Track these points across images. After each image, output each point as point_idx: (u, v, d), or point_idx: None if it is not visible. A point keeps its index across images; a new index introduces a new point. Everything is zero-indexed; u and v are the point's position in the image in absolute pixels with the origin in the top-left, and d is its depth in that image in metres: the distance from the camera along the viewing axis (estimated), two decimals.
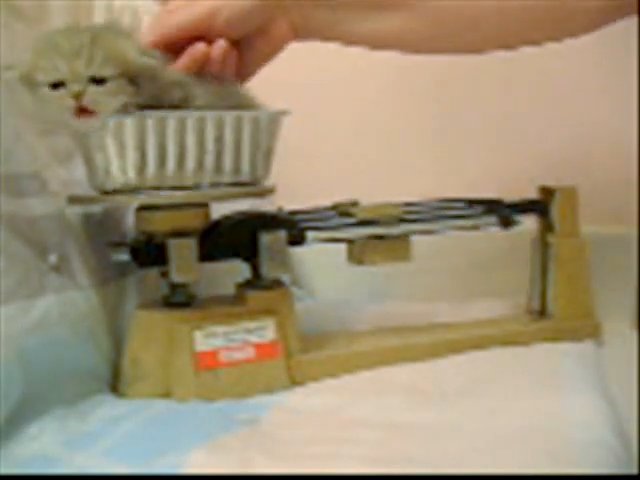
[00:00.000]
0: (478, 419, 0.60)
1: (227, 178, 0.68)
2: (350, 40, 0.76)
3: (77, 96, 0.61)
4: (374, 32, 0.74)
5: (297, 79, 1.00)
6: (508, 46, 0.77)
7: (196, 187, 0.67)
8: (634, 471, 0.56)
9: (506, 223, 0.80)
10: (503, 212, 0.80)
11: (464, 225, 0.80)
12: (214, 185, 0.68)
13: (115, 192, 0.67)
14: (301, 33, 0.73)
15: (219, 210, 0.74)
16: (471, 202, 0.83)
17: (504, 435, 0.57)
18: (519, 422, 0.59)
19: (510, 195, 0.83)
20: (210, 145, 0.67)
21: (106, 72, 0.61)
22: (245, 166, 0.69)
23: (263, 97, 0.73)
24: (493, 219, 0.80)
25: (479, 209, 0.81)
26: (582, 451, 0.53)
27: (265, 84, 0.71)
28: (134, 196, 0.67)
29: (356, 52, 0.77)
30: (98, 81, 0.61)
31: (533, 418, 0.60)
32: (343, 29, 0.74)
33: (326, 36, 0.75)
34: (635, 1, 0.74)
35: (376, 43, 0.76)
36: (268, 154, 0.71)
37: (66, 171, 0.73)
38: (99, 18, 0.86)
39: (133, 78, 0.63)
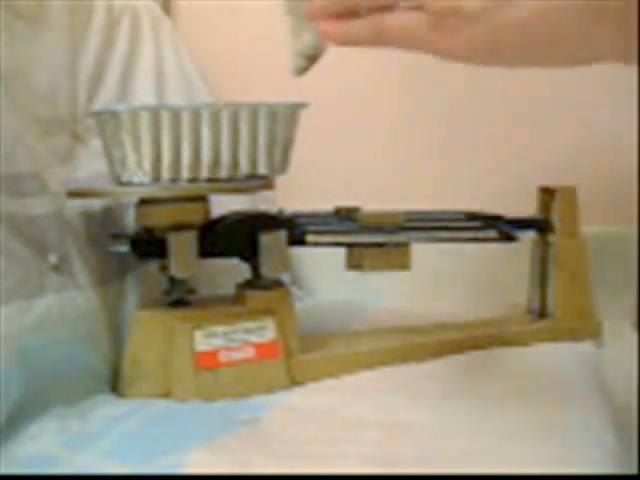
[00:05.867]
0: (478, 419, 0.60)
1: (242, 171, 0.68)
2: None
3: None
4: None
5: (303, 86, 1.00)
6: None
7: (212, 181, 0.67)
8: (634, 471, 0.56)
9: (506, 238, 0.80)
10: (503, 227, 0.80)
11: (464, 237, 0.80)
12: (230, 179, 0.68)
13: (122, 185, 0.67)
14: None
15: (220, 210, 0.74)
16: (472, 216, 0.83)
17: (504, 435, 0.57)
18: (519, 422, 0.59)
19: (510, 195, 0.82)
20: (225, 138, 0.67)
21: None
22: (262, 159, 0.69)
23: None
24: (493, 233, 0.80)
25: (479, 223, 0.81)
26: (582, 451, 0.53)
27: (271, 90, 0.71)
28: (133, 189, 0.67)
29: (363, 61, 0.76)
30: None
31: (533, 418, 0.60)
32: None
33: None
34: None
35: None
36: (286, 147, 0.71)
37: (66, 171, 0.73)
38: (99, 18, 0.86)
39: None
